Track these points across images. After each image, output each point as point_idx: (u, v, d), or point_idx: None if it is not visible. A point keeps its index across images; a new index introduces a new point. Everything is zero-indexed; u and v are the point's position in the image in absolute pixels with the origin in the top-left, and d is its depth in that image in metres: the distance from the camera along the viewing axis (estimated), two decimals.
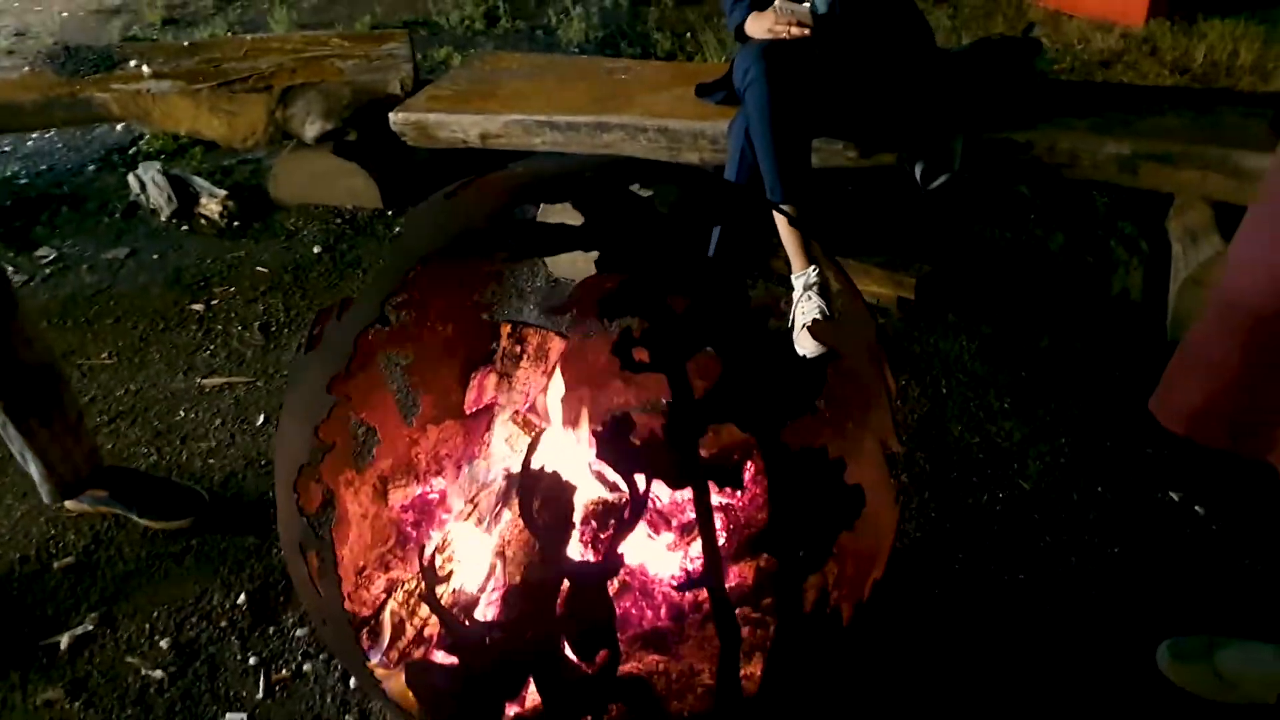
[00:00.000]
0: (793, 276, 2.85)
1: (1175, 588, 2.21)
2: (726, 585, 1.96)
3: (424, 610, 1.79)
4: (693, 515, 2.07)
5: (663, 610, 1.94)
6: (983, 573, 2.27)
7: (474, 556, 1.86)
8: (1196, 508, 2.41)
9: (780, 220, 2.82)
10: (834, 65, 2.91)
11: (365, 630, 1.80)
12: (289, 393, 1.69)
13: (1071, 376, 2.84)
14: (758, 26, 2.93)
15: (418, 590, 1.79)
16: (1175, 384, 1.80)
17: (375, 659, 1.75)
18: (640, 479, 1.40)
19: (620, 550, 1.42)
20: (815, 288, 2.78)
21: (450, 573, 1.74)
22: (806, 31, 2.84)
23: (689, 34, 5.25)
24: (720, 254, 2.92)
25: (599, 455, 1.40)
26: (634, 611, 1.93)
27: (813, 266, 2.81)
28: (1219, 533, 2.34)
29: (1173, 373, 1.81)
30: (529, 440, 1.43)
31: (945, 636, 2.12)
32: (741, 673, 1.69)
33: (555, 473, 1.85)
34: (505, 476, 2.00)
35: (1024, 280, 3.23)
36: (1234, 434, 1.71)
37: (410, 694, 1.52)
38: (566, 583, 1.45)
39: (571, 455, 1.97)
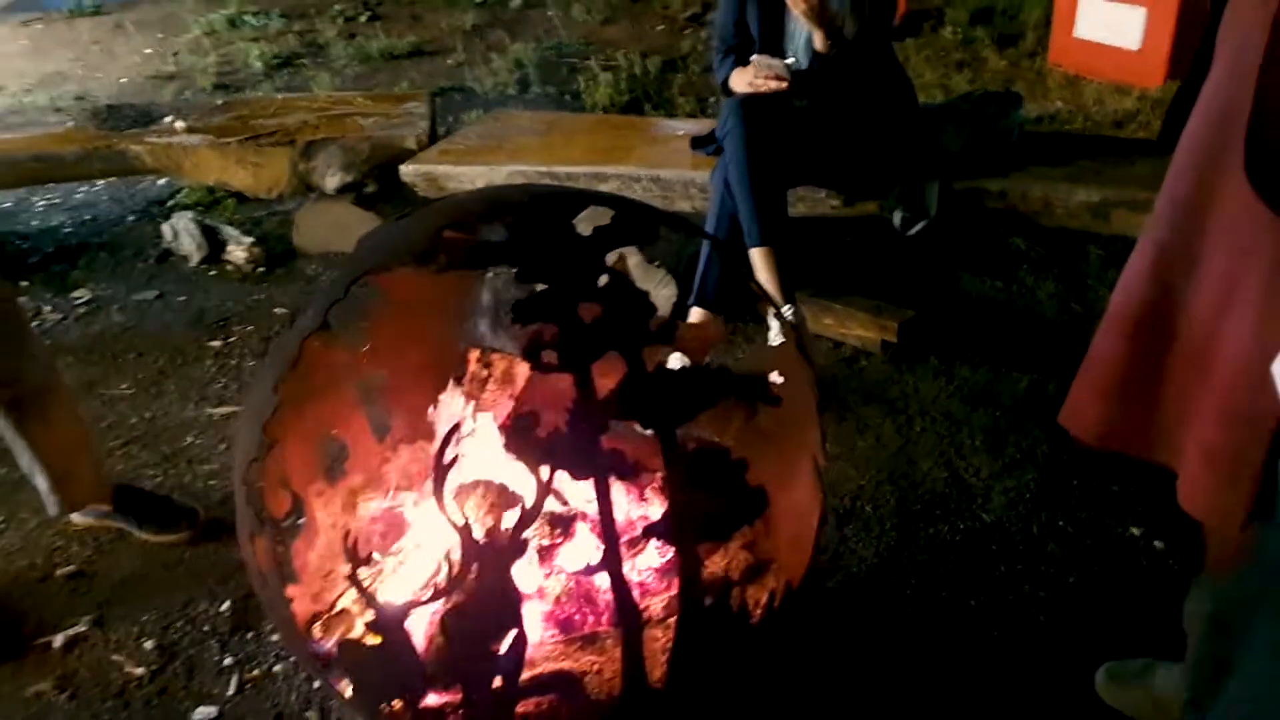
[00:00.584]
0: (769, 315, 2.97)
1: (1126, 616, 2.26)
2: (669, 594, 2.08)
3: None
4: (639, 531, 2.19)
5: (604, 616, 2.04)
6: (933, 598, 2.35)
7: (425, 556, 1.99)
8: (1156, 543, 2.47)
9: (758, 262, 2.94)
10: (814, 117, 3.05)
11: (320, 623, 1.92)
12: (247, 398, 1.84)
13: (1045, 418, 2.89)
14: (740, 80, 3.10)
15: (368, 586, 1.92)
16: (1080, 395, 1.88)
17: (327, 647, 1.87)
18: (544, 470, 1.52)
19: (526, 537, 1.54)
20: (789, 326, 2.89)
21: (369, 555, 1.87)
22: (784, 85, 2.99)
23: (712, 98, 5.43)
24: (702, 297, 3.05)
25: (507, 447, 1.53)
26: (576, 616, 2.04)
27: (787, 307, 2.92)
28: (1175, 566, 2.39)
29: (1078, 384, 1.90)
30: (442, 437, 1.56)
31: (885, 656, 2.19)
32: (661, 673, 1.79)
33: (502, 484, 1.99)
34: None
35: (1008, 327, 3.31)
36: (1134, 438, 1.79)
37: None
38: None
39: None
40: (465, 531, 1.51)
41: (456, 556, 1.60)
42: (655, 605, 2.02)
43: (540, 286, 1.59)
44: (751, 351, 3.00)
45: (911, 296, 3.33)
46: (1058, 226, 3.11)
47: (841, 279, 3.40)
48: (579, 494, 2.25)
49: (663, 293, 3.31)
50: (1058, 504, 2.60)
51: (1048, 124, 4.94)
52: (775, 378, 2.25)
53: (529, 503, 1.54)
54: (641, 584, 2.11)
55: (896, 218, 3.13)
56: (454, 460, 1.53)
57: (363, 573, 1.91)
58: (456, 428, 1.57)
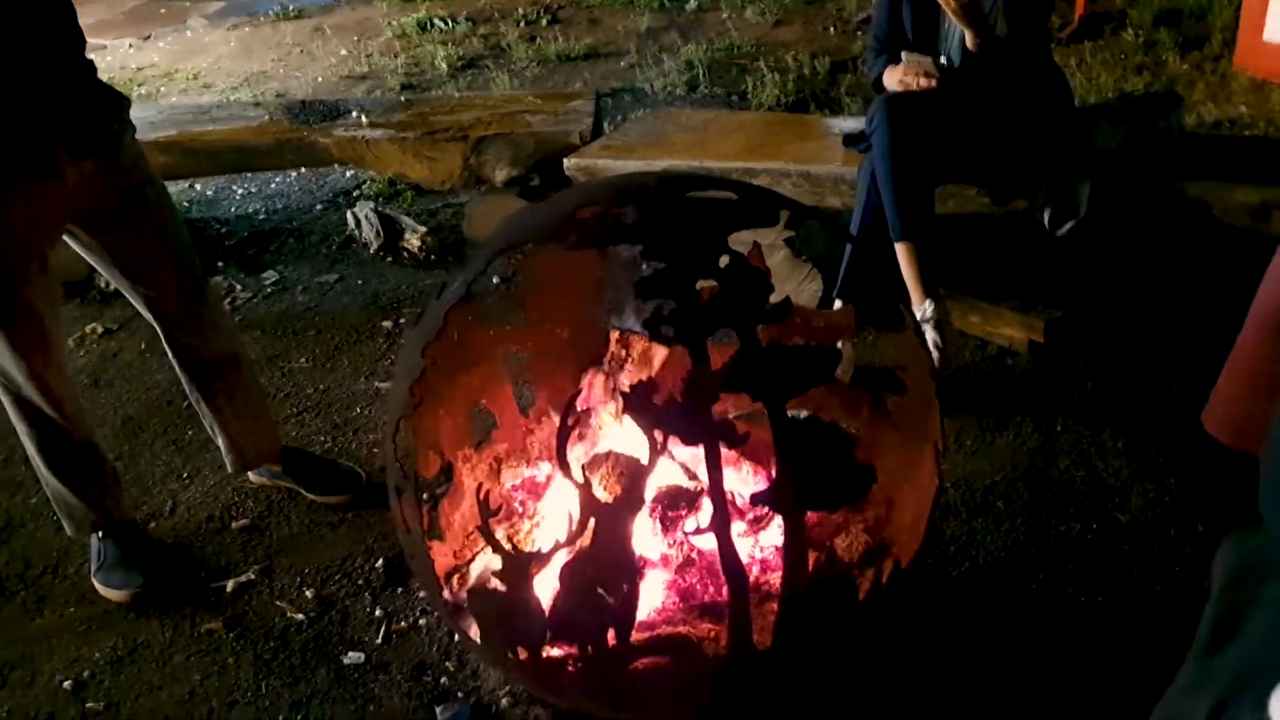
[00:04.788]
0: (912, 309, 3.00)
1: None
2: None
3: None
4: (763, 510, 2.28)
5: (724, 589, 2.13)
6: (1058, 593, 2.35)
7: (558, 519, 2.12)
8: None
9: (901, 257, 2.98)
10: (964, 115, 3.06)
11: (458, 575, 2.08)
12: (398, 361, 2.01)
13: (1193, 423, 2.83)
14: (891, 78, 3.13)
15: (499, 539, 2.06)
16: (1221, 395, 1.87)
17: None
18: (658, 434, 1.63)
19: (643, 493, 1.65)
20: (931, 322, 2.92)
21: (500, 508, 2.00)
22: (933, 83, 3.01)
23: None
24: (846, 290, 3.10)
25: (625, 411, 1.64)
26: (698, 587, 2.14)
27: (929, 302, 2.95)
28: None
29: (1220, 385, 1.89)
30: (566, 402, 1.68)
31: (1002, 643, 2.22)
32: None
33: (632, 456, 2.11)
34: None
35: (1161, 331, 3.24)
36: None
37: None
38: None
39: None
40: (584, 488, 1.63)
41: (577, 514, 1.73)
42: (773, 580, 2.11)
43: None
44: (874, 343, 3.03)
45: (1061, 297, 3.30)
46: (1215, 228, 3.04)
47: (990, 278, 3.39)
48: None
49: (809, 286, 3.39)
50: (1198, 509, 2.56)
51: (1227, 129, 4.75)
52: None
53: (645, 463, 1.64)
54: (763, 560, 2.20)
55: (1045, 216, 3.11)
56: (576, 423, 1.65)
57: (498, 531, 2.07)
58: (577, 394, 1.69)
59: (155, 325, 2.52)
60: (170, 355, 2.58)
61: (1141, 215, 3.12)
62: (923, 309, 2.95)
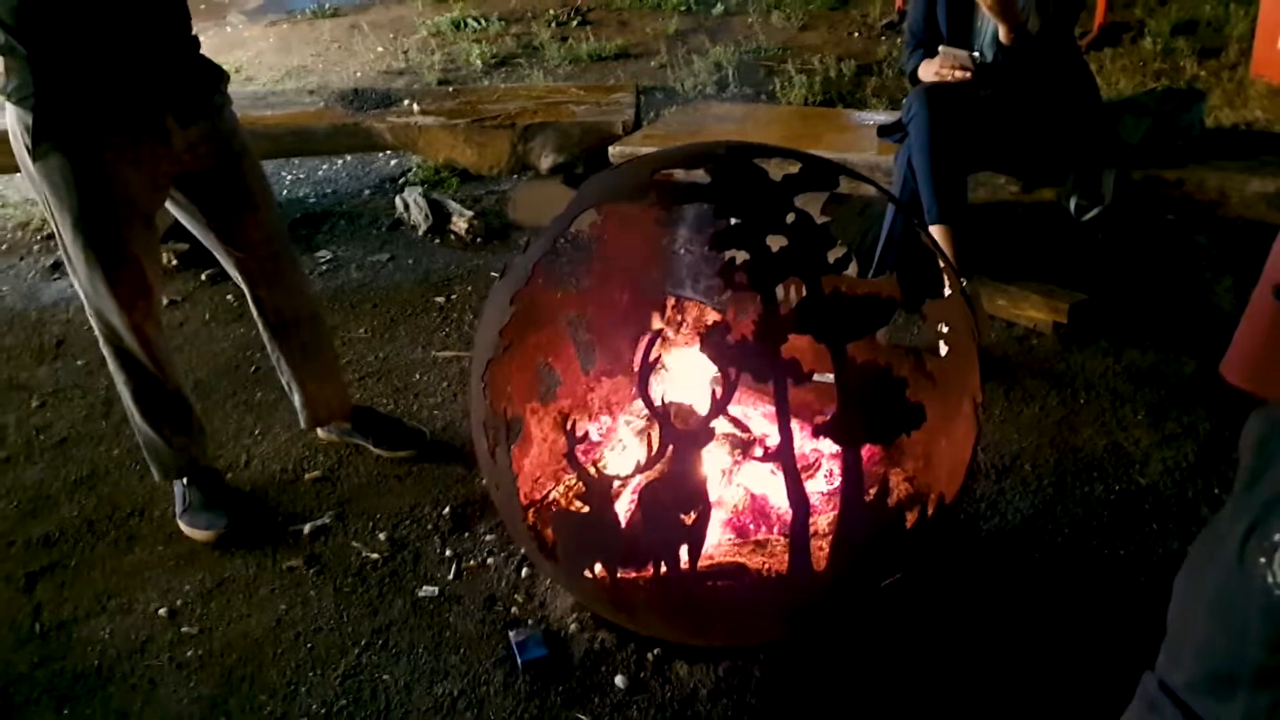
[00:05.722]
0: (945, 290, 3.17)
1: None
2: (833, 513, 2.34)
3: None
4: (813, 458, 2.46)
5: (775, 528, 2.31)
6: (1083, 546, 2.53)
7: (625, 457, 2.30)
8: None
9: (936, 239, 3.15)
10: (996, 106, 3.24)
11: (532, 510, 2.26)
12: (485, 310, 2.20)
13: (1211, 399, 3.01)
14: (927, 71, 3.32)
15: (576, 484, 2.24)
16: (1238, 342, 2.03)
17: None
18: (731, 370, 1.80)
19: (713, 427, 1.82)
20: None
21: (586, 433, 2.18)
22: (968, 75, 3.19)
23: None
24: (882, 271, 3.28)
25: (701, 349, 1.82)
26: (751, 526, 2.32)
27: (962, 281, 3.12)
28: None
29: (1237, 338, 2.05)
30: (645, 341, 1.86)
31: (1031, 588, 2.40)
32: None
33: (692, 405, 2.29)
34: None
35: (1181, 315, 3.41)
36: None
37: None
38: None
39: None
40: (663, 415, 1.81)
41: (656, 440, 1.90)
42: (820, 522, 2.28)
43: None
44: (904, 324, 3.20)
45: (1085, 281, 3.47)
46: (1234, 217, 3.21)
47: (1017, 263, 3.56)
48: (758, 425, 2.54)
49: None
50: (1215, 474, 2.72)
51: (1244, 130, 4.92)
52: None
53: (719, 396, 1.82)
54: (811, 506, 2.38)
55: (1072, 204, 3.29)
56: (658, 359, 1.83)
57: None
58: (659, 332, 1.87)
59: (242, 284, 2.71)
60: (255, 314, 2.76)
61: (1165, 206, 3.29)
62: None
